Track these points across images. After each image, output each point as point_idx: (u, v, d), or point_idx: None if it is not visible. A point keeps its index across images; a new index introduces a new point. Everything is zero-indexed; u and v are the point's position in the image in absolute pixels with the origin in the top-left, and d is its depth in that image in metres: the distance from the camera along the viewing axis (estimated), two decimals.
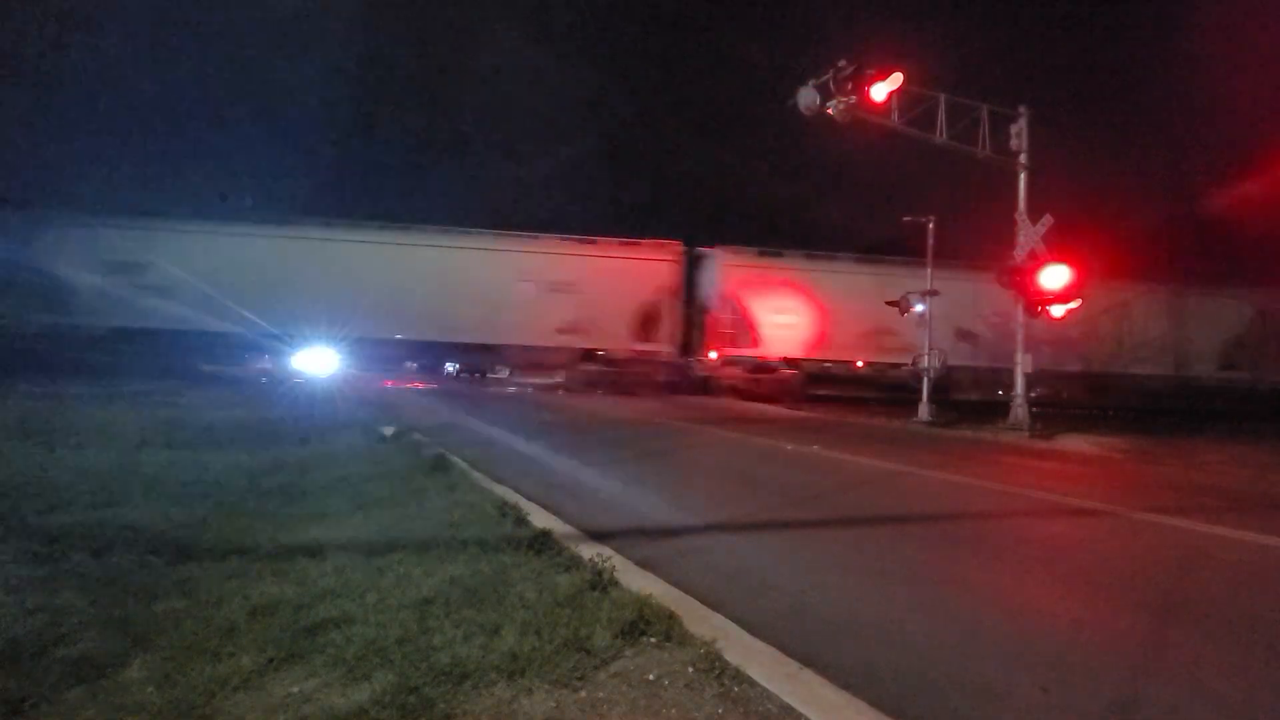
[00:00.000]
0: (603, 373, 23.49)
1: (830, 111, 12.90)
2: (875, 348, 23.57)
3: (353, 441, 8.65)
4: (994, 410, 15.82)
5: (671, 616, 3.13)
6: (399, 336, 23.05)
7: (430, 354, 25.96)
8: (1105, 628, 3.57)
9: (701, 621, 3.22)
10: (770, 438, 11.88)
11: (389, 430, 9.68)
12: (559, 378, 24.25)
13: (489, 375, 27.73)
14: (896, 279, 22.84)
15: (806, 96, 12.88)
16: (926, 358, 17.56)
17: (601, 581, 3.52)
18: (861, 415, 17.84)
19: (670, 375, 24.43)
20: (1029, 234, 14.32)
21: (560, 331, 22.93)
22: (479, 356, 26.00)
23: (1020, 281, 14.09)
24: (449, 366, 28.16)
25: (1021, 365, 14.74)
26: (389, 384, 23.10)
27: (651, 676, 2.66)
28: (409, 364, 27.66)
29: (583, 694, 2.53)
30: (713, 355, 24.23)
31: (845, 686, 2.70)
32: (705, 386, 24.35)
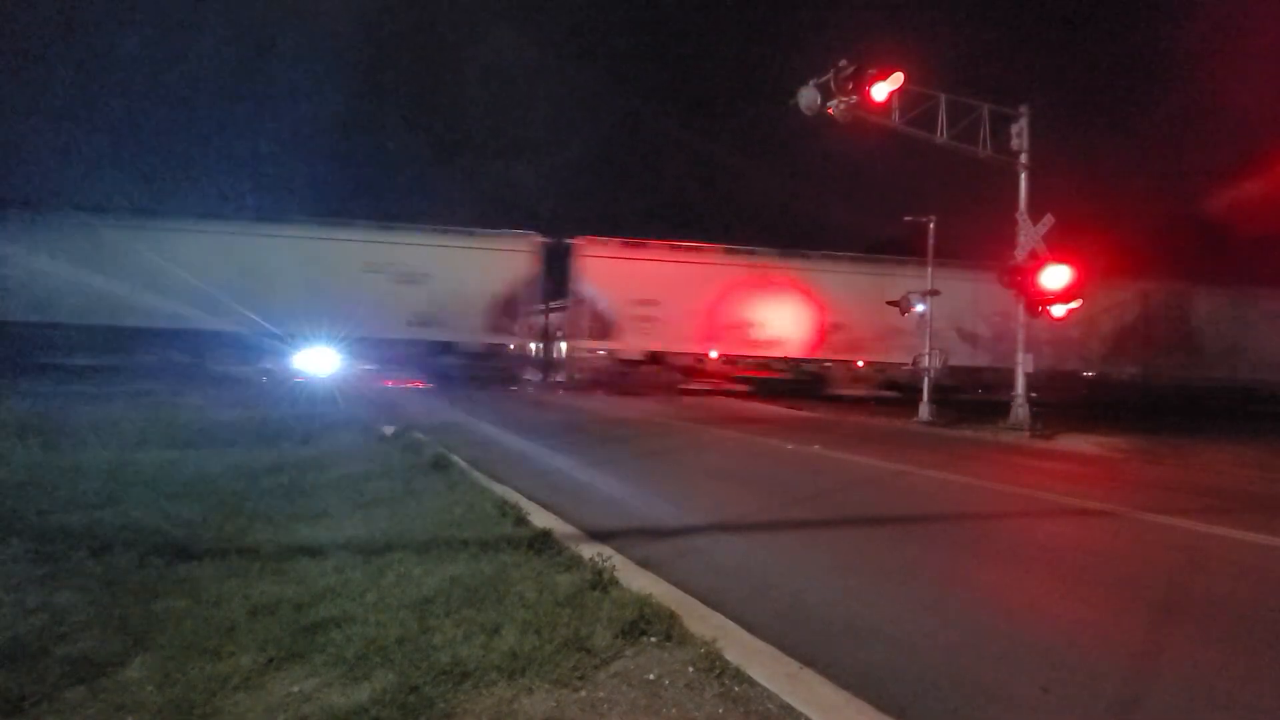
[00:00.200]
0: (459, 366, 22.79)
1: (831, 111, 12.90)
2: (742, 341, 23.28)
3: (353, 441, 8.65)
4: (994, 410, 15.80)
5: (672, 616, 3.13)
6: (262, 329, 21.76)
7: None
8: (1106, 628, 3.57)
9: (702, 621, 3.22)
10: (770, 437, 11.88)
11: (389, 430, 9.68)
12: (414, 371, 23.30)
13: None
14: (775, 269, 23.29)
15: (807, 96, 12.86)
16: (927, 357, 17.56)
17: (602, 581, 3.52)
18: (862, 415, 17.84)
19: (528, 369, 23.90)
20: (1030, 234, 14.31)
21: (412, 324, 22.06)
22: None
23: (1021, 281, 14.09)
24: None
25: (1022, 365, 14.73)
26: (389, 383, 23.03)
27: (652, 676, 2.66)
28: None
29: (583, 693, 2.53)
30: (572, 348, 23.70)
31: (845, 686, 2.70)
32: (566, 381, 23.89)
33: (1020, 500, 7.04)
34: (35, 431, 7.78)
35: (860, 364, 24.45)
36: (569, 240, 23.37)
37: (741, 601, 3.65)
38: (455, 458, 7.47)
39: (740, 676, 2.68)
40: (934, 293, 17.77)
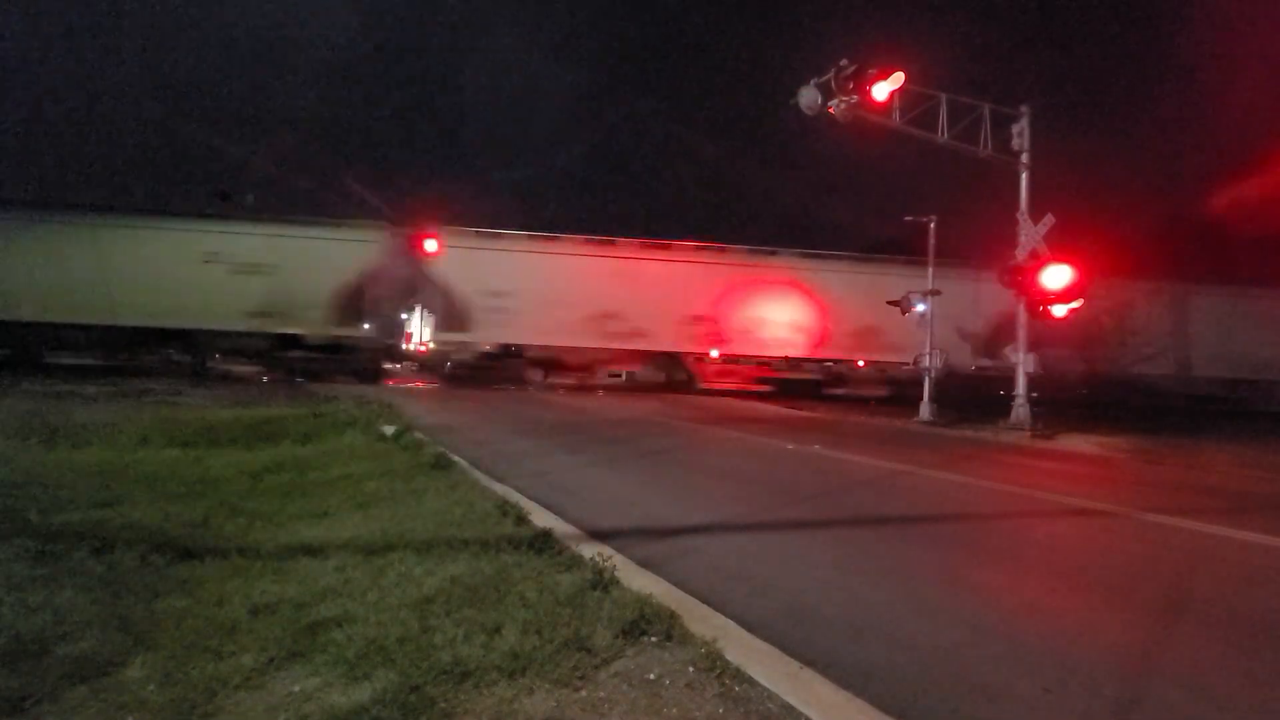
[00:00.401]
0: (308, 359, 22.14)
1: (832, 111, 12.89)
2: (602, 333, 22.87)
3: (353, 440, 8.65)
4: (995, 410, 15.78)
5: (672, 616, 3.13)
6: (94, 323, 21.17)
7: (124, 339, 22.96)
8: (1107, 628, 3.56)
9: (702, 621, 3.22)
10: (771, 437, 11.88)
11: (389, 429, 9.68)
12: (258, 365, 22.66)
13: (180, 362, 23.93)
14: (639, 263, 23.05)
15: (808, 95, 12.87)
16: (928, 357, 17.55)
17: (602, 581, 3.52)
18: (863, 415, 17.85)
19: (377, 361, 23.26)
20: (1030, 233, 14.30)
21: (254, 316, 21.41)
22: (177, 343, 23.18)
23: (1021, 281, 14.07)
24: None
25: (1023, 365, 14.71)
26: (389, 383, 23.04)
27: (652, 676, 2.66)
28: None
29: (583, 693, 2.53)
30: (425, 340, 23.10)
31: (846, 686, 2.69)
32: (420, 372, 23.45)
33: (1021, 500, 7.03)
34: (36, 430, 7.80)
35: (722, 356, 24.25)
36: (420, 230, 22.63)
37: (742, 601, 3.66)
38: (456, 457, 7.47)
39: (741, 676, 2.68)
40: (935, 292, 17.78)
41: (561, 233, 23.64)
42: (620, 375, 24.58)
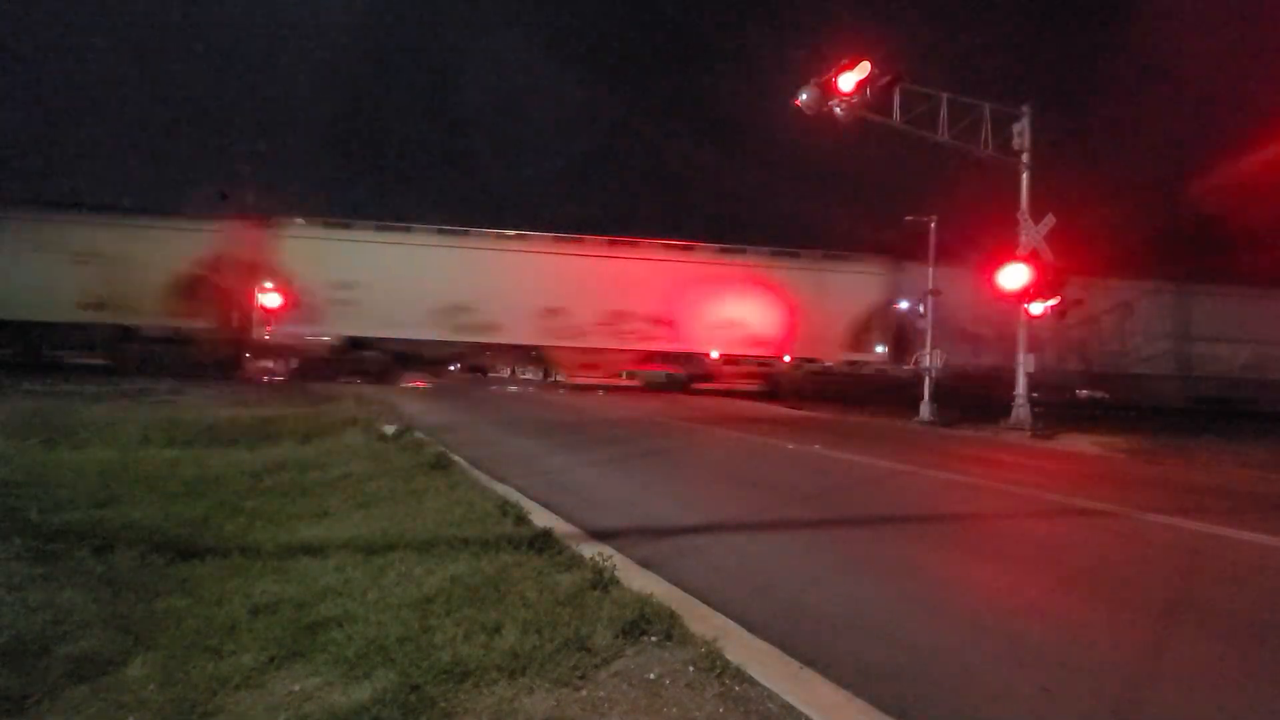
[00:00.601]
0: (145, 352, 21.55)
1: (833, 110, 12.91)
2: (452, 325, 22.76)
3: (354, 440, 8.65)
4: (996, 410, 15.78)
5: (672, 616, 3.13)
6: None
7: None
8: (1107, 628, 3.56)
9: (702, 620, 3.22)
10: (771, 437, 11.88)
11: (390, 429, 9.68)
12: (101, 359, 22.24)
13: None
14: (492, 254, 22.93)
15: (810, 95, 12.91)
16: (928, 357, 17.56)
17: (602, 581, 3.52)
18: (864, 414, 17.84)
19: (222, 354, 22.85)
20: (1031, 233, 14.29)
21: (87, 306, 20.96)
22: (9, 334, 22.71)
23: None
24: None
25: (1023, 365, 14.72)
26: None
27: (652, 675, 2.66)
28: None
29: (583, 693, 2.53)
30: (274, 332, 22.66)
31: (846, 686, 2.69)
32: (262, 366, 23.28)
33: (1021, 500, 7.03)
34: (36, 430, 7.78)
35: (581, 349, 24.21)
36: (264, 220, 22.52)
37: (742, 601, 3.65)
38: (457, 457, 7.47)
39: (741, 676, 2.68)
40: (935, 292, 17.78)
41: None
42: (481, 371, 24.45)
